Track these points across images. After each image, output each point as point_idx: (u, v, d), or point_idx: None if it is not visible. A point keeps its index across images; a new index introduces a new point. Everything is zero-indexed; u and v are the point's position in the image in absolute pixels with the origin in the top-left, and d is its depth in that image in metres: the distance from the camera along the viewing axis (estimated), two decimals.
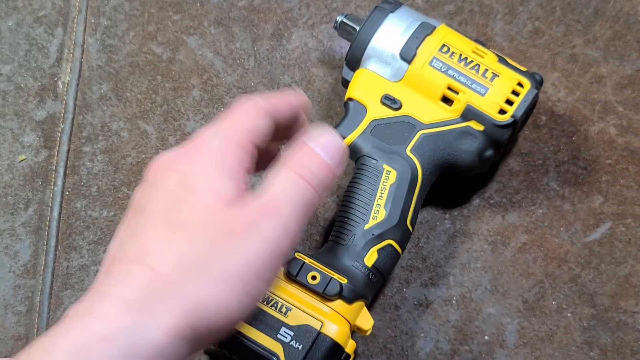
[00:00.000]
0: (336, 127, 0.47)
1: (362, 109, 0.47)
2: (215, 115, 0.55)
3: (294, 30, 0.57)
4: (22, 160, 0.54)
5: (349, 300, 0.41)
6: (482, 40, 0.49)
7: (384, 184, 0.45)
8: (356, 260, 0.43)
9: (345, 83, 0.49)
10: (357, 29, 0.48)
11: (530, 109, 0.47)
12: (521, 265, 0.49)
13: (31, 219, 0.52)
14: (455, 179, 0.50)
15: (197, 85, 0.56)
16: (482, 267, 0.49)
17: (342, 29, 0.50)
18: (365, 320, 0.42)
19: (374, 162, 0.45)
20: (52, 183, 0.53)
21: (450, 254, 0.50)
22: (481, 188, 0.51)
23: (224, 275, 0.28)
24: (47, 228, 0.52)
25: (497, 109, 0.45)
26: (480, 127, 0.45)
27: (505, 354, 0.47)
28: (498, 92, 0.45)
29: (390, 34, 0.47)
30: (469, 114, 0.45)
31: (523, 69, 0.47)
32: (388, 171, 0.45)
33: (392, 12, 0.47)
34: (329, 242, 0.45)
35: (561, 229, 0.50)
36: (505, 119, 0.45)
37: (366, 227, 0.43)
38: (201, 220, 0.28)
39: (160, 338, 0.26)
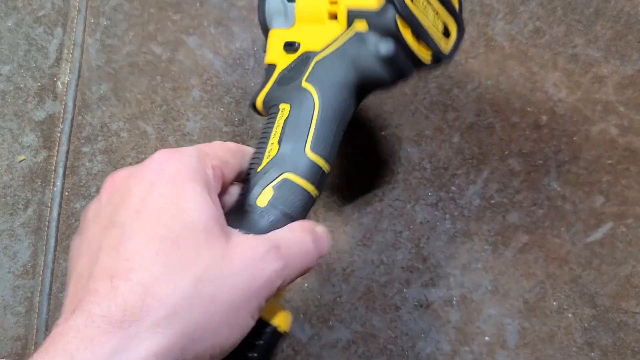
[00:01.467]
0: (253, 96, 0.45)
1: (273, 68, 0.45)
2: (215, 115, 0.55)
3: None
4: (21, 161, 0.54)
5: None
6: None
7: (279, 122, 0.41)
8: (249, 205, 0.37)
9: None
10: None
11: None
12: (522, 265, 0.49)
13: (30, 220, 0.52)
14: (380, 89, 0.45)
15: (196, 86, 0.55)
16: (482, 268, 0.49)
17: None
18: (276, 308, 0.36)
19: (274, 106, 0.42)
20: (52, 183, 0.53)
21: (450, 255, 0.50)
22: (481, 188, 0.51)
23: (219, 302, 0.27)
24: (46, 228, 0.52)
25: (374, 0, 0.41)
26: (365, 26, 0.41)
27: (506, 355, 0.47)
28: None
29: None
30: (351, 16, 0.42)
31: None
32: (283, 109, 0.42)
33: None
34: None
35: (562, 229, 0.50)
36: (380, 2, 0.40)
37: (259, 169, 0.39)
38: (196, 240, 0.28)
39: (148, 358, 0.25)
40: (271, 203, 0.37)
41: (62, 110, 0.55)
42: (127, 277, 0.26)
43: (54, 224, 0.52)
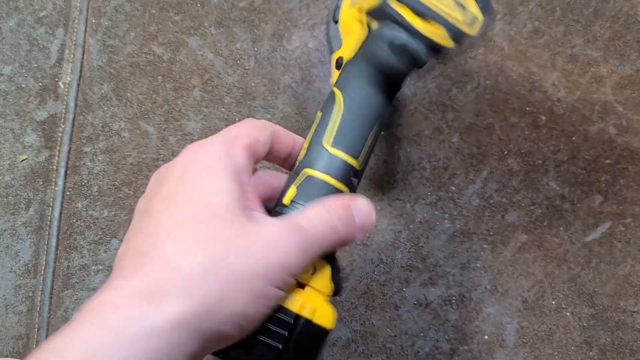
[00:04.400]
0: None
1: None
2: (216, 115, 0.55)
3: (294, 31, 0.57)
4: (23, 160, 0.54)
5: None
6: None
7: (312, 128, 0.43)
8: (278, 205, 0.39)
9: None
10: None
11: None
12: (521, 265, 0.49)
13: (32, 219, 0.53)
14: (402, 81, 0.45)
15: (197, 86, 0.56)
16: (481, 267, 0.49)
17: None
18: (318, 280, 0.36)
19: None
20: (53, 183, 0.53)
21: (449, 254, 0.50)
22: (481, 187, 0.51)
23: (238, 273, 0.29)
24: (48, 228, 0.52)
25: None
26: (376, 23, 0.42)
27: (505, 354, 0.47)
28: None
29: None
30: (369, 19, 0.43)
31: None
32: (317, 117, 0.43)
33: None
34: None
35: (561, 228, 0.50)
36: None
37: (292, 171, 0.41)
38: (219, 220, 0.30)
39: (164, 325, 0.27)
40: (294, 201, 0.38)
41: (64, 110, 0.56)
42: (152, 254, 0.29)
43: (55, 223, 0.52)
